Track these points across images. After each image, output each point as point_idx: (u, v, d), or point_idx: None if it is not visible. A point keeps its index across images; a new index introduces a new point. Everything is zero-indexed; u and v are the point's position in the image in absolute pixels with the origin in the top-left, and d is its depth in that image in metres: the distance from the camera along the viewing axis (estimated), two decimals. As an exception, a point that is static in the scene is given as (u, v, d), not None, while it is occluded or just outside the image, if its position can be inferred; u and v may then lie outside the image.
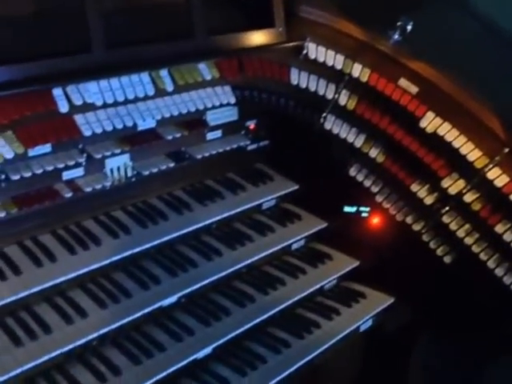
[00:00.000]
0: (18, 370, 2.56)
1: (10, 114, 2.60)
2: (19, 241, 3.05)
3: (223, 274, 3.30)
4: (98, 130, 2.95)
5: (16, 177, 2.89)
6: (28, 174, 2.91)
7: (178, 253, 3.34)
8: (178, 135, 3.40)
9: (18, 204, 2.96)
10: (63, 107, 2.77)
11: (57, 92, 2.76)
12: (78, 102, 2.80)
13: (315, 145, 3.74)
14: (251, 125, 3.90)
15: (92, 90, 2.85)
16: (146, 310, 2.98)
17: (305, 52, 3.51)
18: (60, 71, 2.70)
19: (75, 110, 2.87)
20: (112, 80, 2.91)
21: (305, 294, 3.49)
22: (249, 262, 3.43)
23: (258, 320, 3.22)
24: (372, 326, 3.63)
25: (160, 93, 3.10)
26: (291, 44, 3.58)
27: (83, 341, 2.76)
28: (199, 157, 3.56)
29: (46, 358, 2.64)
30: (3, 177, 2.88)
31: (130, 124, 3.05)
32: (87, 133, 2.91)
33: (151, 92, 3.04)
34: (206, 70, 3.24)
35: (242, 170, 3.93)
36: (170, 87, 3.11)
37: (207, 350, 3.02)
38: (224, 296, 3.32)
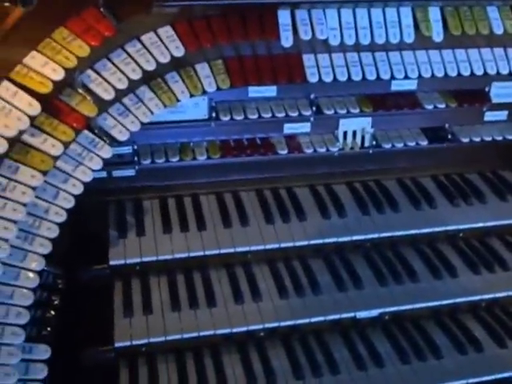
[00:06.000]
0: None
1: (217, 37, 2.12)
2: (216, 192, 2.66)
3: (449, 301, 2.44)
4: (328, 78, 2.33)
5: (226, 118, 2.48)
6: (240, 117, 2.48)
7: (399, 256, 2.58)
8: (442, 106, 2.62)
9: (223, 150, 2.56)
10: (286, 40, 2.18)
11: (283, 18, 2.18)
12: (307, 35, 2.18)
13: None
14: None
15: (329, 23, 2.20)
16: (331, 317, 2.34)
17: None
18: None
19: (302, 46, 2.28)
20: (358, 12, 2.20)
21: None
22: (491, 296, 2.49)
23: (477, 380, 2.29)
24: None
25: (422, 42, 2.31)
26: None
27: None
28: (466, 140, 2.73)
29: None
30: (214, 115, 2.49)
31: (371, 77, 2.35)
32: (312, 78, 2.31)
33: (410, 39, 2.26)
34: (497, 21, 2.30)
35: (522, 171, 2.92)
36: (438, 36, 2.27)
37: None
38: (442, 330, 2.46)
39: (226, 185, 2.66)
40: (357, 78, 2.35)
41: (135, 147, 2.48)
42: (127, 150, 2.48)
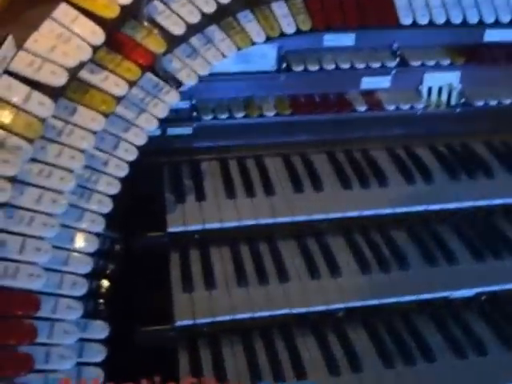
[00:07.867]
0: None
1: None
2: (283, 154, 2.34)
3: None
4: (423, 20, 2.01)
5: (299, 68, 2.17)
6: (315, 68, 2.17)
7: (495, 229, 2.25)
8: (545, 59, 2.29)
9: (293, 107, 2.25)
10: (377, -24, 1.89)
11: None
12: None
13: None
14: None
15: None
16: (424, 296, 2.03)
17: None
18: None
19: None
20: None
21: None
22: None
23: None
24: None
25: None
26: None
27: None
28: None
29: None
30: (284, 65, 2.18)
31: (472, 20, 2.03)
32: (405, 21, 2.00)
33: (518, -25, 1.97)
34: None
35: None
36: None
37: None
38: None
39: (294, 146, 2.35)
40: (457, 20, 2.03)
41: (193, 102, 2.19)
42: (184, 104, 2.18)
